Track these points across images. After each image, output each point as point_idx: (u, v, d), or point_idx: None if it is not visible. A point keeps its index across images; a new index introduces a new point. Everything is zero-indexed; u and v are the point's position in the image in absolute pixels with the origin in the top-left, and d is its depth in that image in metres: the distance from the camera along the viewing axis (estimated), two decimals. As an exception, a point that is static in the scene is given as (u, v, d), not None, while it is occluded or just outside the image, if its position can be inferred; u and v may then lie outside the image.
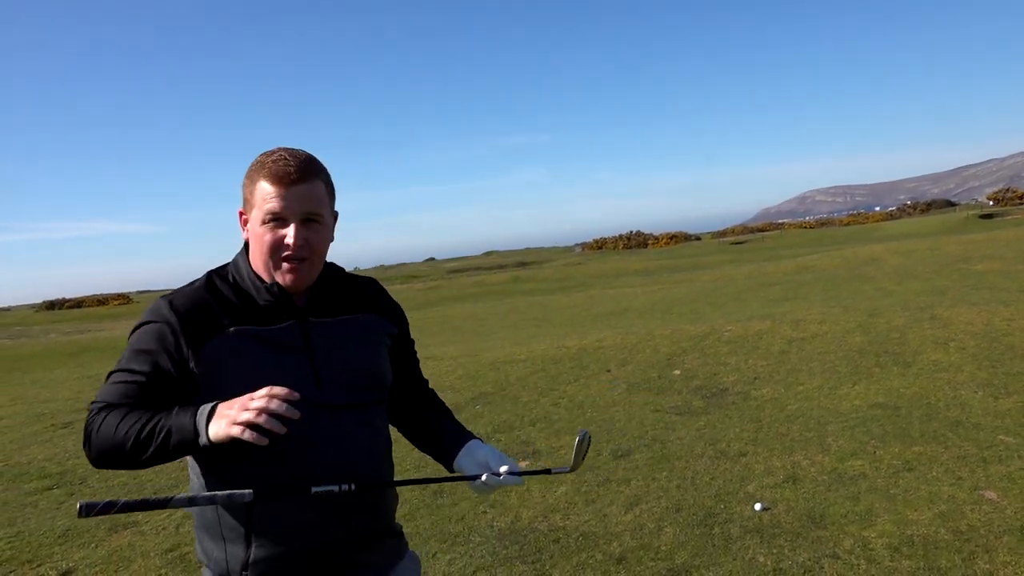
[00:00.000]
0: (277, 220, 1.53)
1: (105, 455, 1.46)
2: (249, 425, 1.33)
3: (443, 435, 1.76)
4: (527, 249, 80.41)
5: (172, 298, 1.55)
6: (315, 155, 1.60)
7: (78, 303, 55.96)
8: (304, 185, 1.53)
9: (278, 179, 1.51)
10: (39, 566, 4.13)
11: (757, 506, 4.06)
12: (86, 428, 1.48)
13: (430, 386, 1.94)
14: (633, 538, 3.83)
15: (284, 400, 1.35)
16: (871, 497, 4.07)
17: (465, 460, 1.66)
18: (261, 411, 1.33)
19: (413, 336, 1.92)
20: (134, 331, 1.56)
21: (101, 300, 56.52)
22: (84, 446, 1.48)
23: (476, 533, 4.08)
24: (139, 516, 4.76)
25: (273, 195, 1.51)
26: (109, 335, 25.30)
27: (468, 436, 1.73)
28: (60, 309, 54.08)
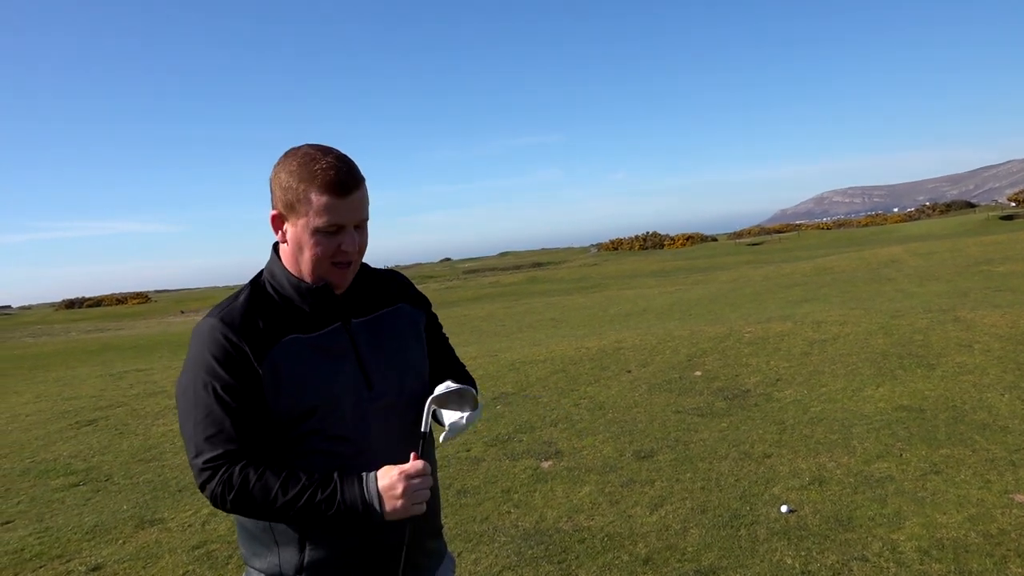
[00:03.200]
0: (333, 229, 1.52)
1: (248, 514, 1.48)
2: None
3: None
4: (543, 250, 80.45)
5: (223, 316, 1.52)
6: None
7: (97, 302, 56.57)
8: (357, 192, 1.52)
9: (335, 190, 1.49)
10: (68, 561, 4.17)
11: (783, 508, 4.04)
12: (217, 481, 1.45)
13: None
14: (659, 539, 3.82)
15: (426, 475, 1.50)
16: (899, 500, 4.03)
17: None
18: (424, 490, 1.50)
19: None
20: (193, 359, 1.51)
21: (120, 299, 57.07)
22: (217, 504, 1.47)
23: (501, 533, 4.08)
24: (166, 513, 4.80)
25: (332, 206, 1.49)
26: (129, 333, 25.52)
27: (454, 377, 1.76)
28: (80, 308, 54.62)
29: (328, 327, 1.58)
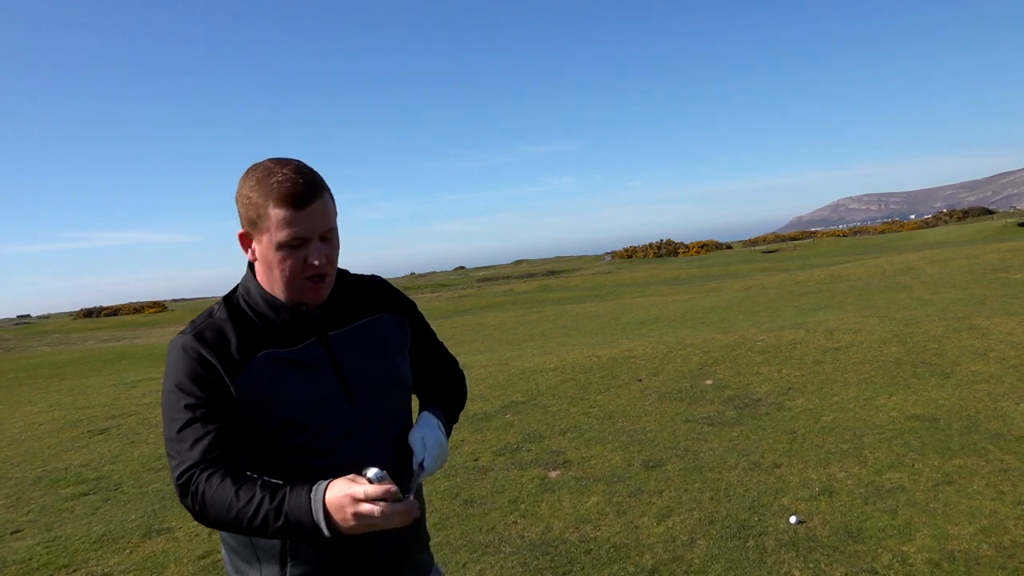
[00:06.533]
0: (297, 243, 1.48)
1: (221, 527, 1.42)
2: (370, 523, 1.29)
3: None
4: (557, 258, 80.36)
5: (197, 332, 1.50)
6: (306, 162, 1.54)
7: (115, 311, 56.97)
8: (317, 203, 1.48)
9: (292, 203, 1.45)
10: (75, 571, 4.18)
11: (792, 519, 3.99)
12: (189, 493, 1.41)
13: (460, 366, 1.93)
14: (665, 550, 3.78)
15: (383, 500, 1.28)
16: (910, 511, 3.98)
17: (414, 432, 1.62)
18: (374, 519, 1.29)
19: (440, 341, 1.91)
20: (169, 377, 1.50)
21: (137, 308, 57.47)
22: (194, 516, 1.41)
23: (506, 544, 4.06)
24: (174, 522, 4.81)
25: (291, 220, 1.45)
26: (145, 343, 25.68)
27: (429, 407, 1.71)
28: (97, 317, 55.05)
29: (305, 341, 1.55)
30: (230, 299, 1.59)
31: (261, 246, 1.51)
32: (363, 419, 1.56)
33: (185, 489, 1.42)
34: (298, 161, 1.52)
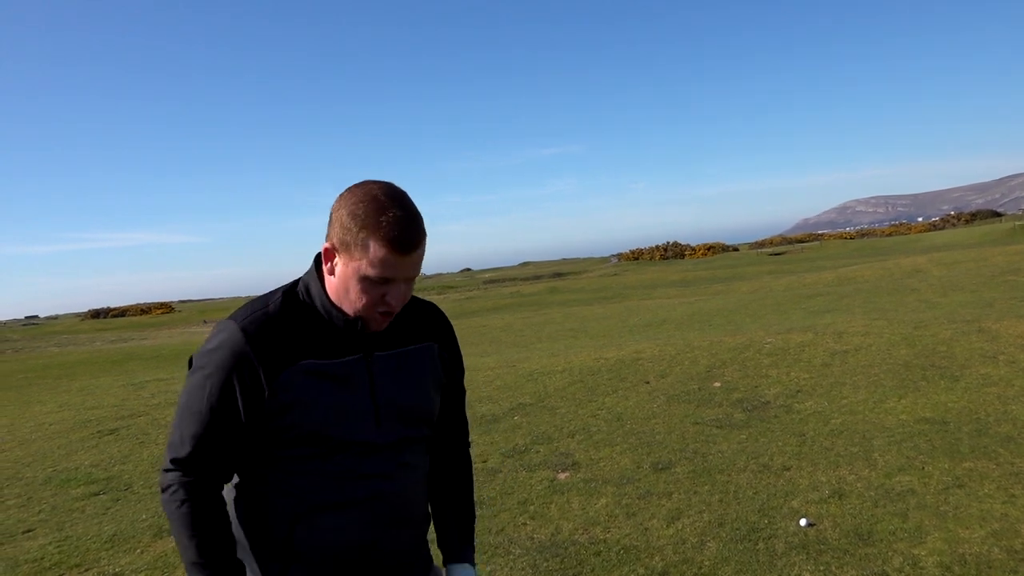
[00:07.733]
0: (384, 281, 1.46)
1: (174, 534, 1.49)
2: None
3: (444, 536, 1.82)
4: (563, 260, 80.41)
5: (246, 324, 1.47)
6: (408, 192, 1.50)
7: (122, 312, 57.23)
8: (418, 251, 1.46)
9: (397, 247, 1.42)
10: (86, 571, 4.20)
11: (802, 522, 3.99)
12: (165, 489, 1.45)
13: (468, 434, 1.90)
14: (675, 552, 3.78)
15: None
16: (920, 514, 3.97)
17: None
18: None
19: None
20: (205, 356, 1.48)
21: (144, 309, 57.70)
22: (164, 508, 1.48)
23: (516, 545, 4.06)
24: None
25: (390, 262, 1.42)
26: (152, 343, 25.78)
27: (454, 556, 1.78)
28: (105, 318, 55.28)
29: (348, 356, 1.53)
30: (290, 295, 1.55)
31: (346, 268, 1.47)
32: (383, 443, 1.55)
33: (164, 483, 1.46)
34: (406, 197, 1.48)
